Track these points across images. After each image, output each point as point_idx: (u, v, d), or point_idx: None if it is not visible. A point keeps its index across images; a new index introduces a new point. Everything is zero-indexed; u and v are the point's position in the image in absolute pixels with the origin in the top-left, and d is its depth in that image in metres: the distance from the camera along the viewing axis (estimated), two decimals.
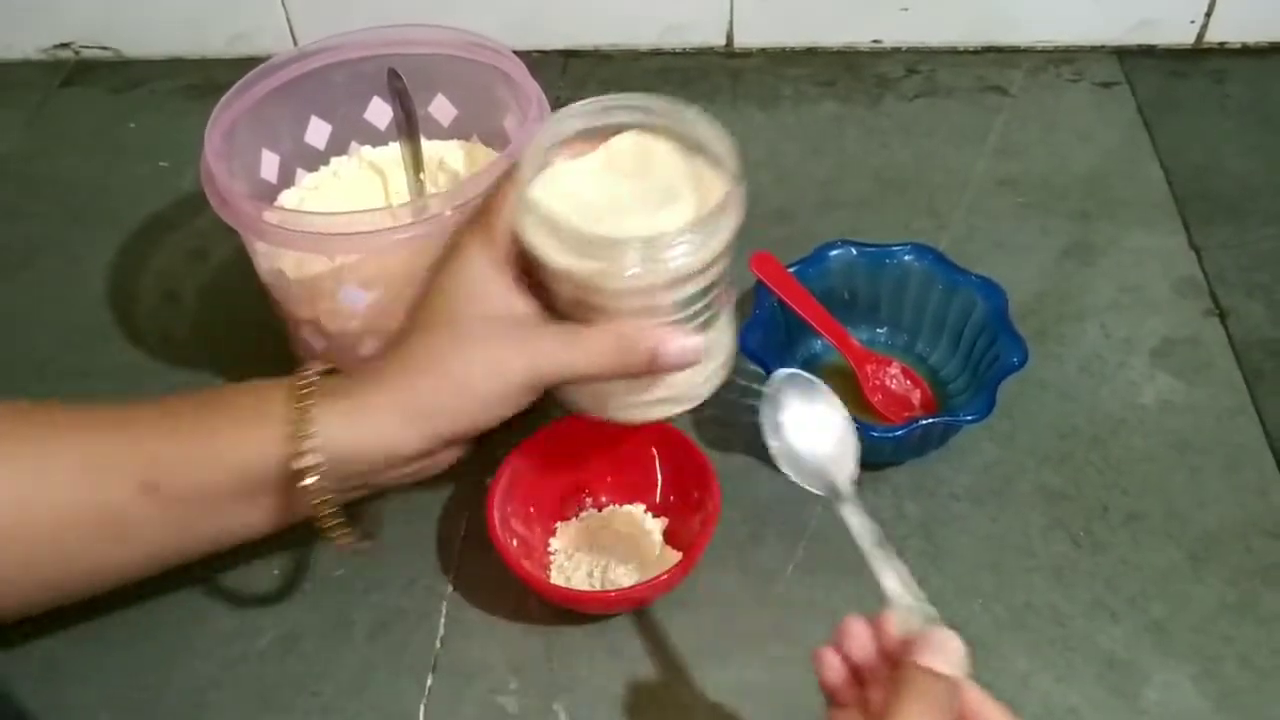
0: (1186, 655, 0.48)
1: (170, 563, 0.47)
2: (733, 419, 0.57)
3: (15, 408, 0.46)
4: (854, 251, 0.58)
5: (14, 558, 0.44)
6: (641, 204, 0.43)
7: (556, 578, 0.50)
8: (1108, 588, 0.50)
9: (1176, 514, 0.53)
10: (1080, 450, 0.55)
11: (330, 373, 0.45)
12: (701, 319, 0.44)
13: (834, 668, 0.38)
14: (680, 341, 0.43)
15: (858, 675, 0.38)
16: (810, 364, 0.59)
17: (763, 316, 0.56)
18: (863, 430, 0.46)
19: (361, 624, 0.50)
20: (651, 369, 0.43)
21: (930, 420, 0.52)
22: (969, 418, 0.51)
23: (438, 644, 0.50)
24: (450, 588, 0.52)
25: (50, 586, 0.47)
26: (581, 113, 0.45)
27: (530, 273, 0.44)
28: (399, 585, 0.52)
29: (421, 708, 0.47)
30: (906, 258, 0.58)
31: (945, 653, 0.36)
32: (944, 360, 0.59)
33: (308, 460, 0.43)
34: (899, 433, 0.51)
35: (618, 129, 0.45)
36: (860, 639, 0.38)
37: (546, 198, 0.43)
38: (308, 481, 0.43)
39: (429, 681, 0.48)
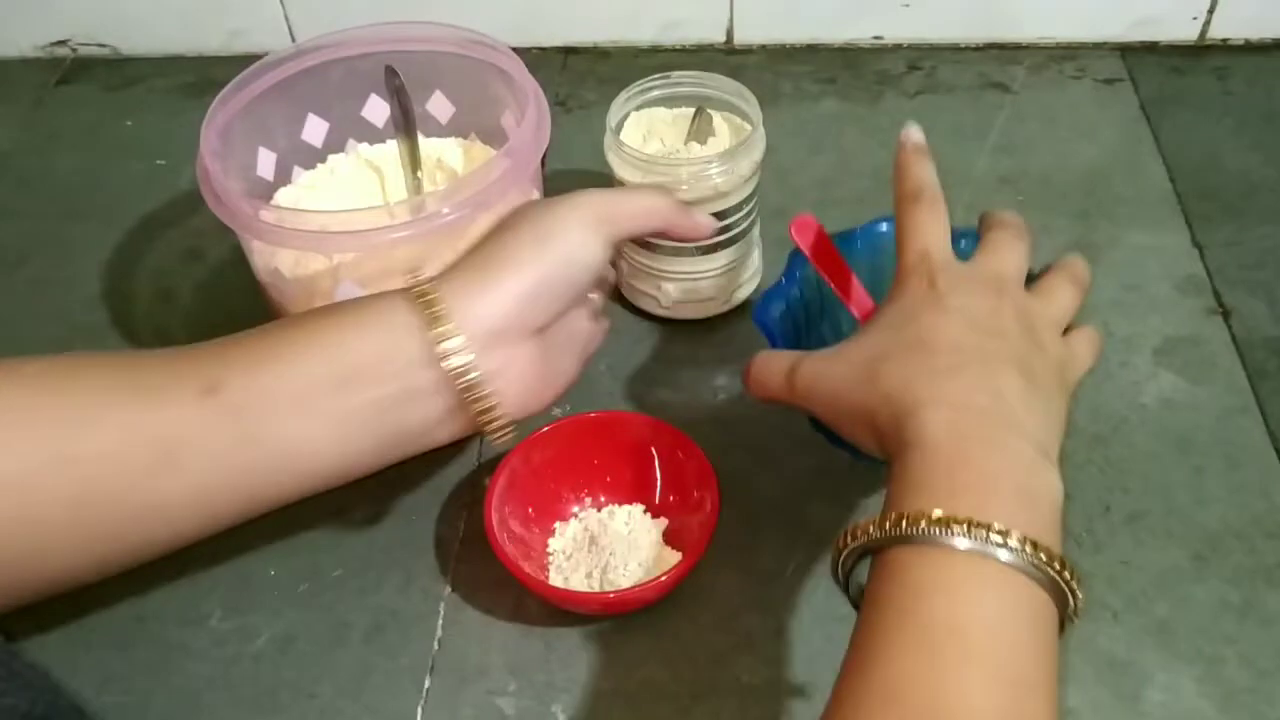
0: (1188, 656, 0.47)
1: (221, 503, 0.43)
2: (732, 418, 0.57)
3: (68, 359, 0.44)
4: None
5: (57, 511, 0.40)
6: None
7: (555, 579, 0.50)
8: (1109, 587, 0.50)
9: (1178, 513, 0.52)
10: (1082, 449, 0.55)
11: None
12: (733, 232, 0.57)
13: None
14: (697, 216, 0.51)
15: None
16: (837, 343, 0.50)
17: (787, 288, 0.52)
18: None
19: (358, 625, 0.50)
20: (679, 221, 0.50)
21: None
22: None
23: (435, 645, 0.49)
24: (448, 589, 0.51)
25: (95, 539, 0.42)
26: (643, 89, 0.59)
27: None
28: (396, 586, 0.51)
29: (419, 710, 0.47)
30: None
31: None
32: None
33: (451, 342, 0.42)
34: None
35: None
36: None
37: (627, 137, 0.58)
38: (452, 360, 0.42)
39: (427, 683, 0.48)
